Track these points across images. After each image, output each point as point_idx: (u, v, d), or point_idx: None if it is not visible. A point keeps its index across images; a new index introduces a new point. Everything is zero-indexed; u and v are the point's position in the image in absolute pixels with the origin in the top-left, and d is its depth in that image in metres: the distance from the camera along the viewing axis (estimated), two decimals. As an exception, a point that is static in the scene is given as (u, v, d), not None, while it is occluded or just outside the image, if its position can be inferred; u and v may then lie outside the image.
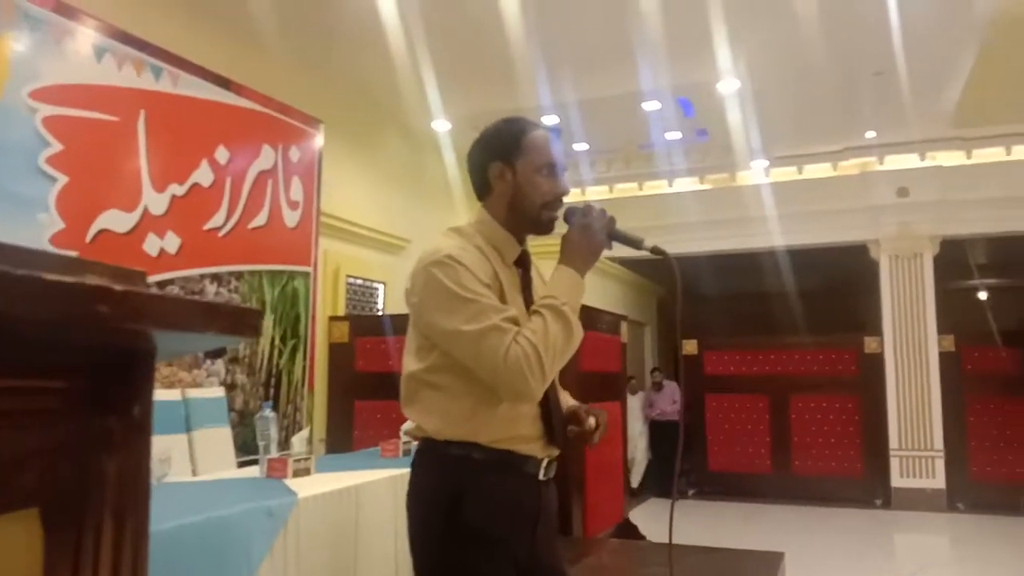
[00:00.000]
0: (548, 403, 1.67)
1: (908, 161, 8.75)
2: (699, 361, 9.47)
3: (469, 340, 1.50)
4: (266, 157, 5.25)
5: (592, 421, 1.75)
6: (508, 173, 1.69)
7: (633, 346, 11.39)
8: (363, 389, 6.01)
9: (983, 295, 12.48)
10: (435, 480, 1.61)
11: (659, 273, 11.76)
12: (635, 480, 9.17)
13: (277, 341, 5.33)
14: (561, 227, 1.75)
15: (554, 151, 1.71)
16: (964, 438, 8.59)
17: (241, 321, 0.64)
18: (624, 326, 6.99)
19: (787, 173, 9.21)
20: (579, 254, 1.66)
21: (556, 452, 1.71)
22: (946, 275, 9.34)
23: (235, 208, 4.95)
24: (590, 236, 1.66)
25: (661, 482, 9.12)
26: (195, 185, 4.66)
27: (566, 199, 1.74)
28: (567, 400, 1.85)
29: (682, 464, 8.49)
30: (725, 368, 9.45)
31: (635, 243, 1.72)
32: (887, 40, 5.69)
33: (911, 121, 7.62)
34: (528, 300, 1.71)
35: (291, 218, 5.46)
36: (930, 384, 8.65)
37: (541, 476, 1.67)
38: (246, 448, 4.35)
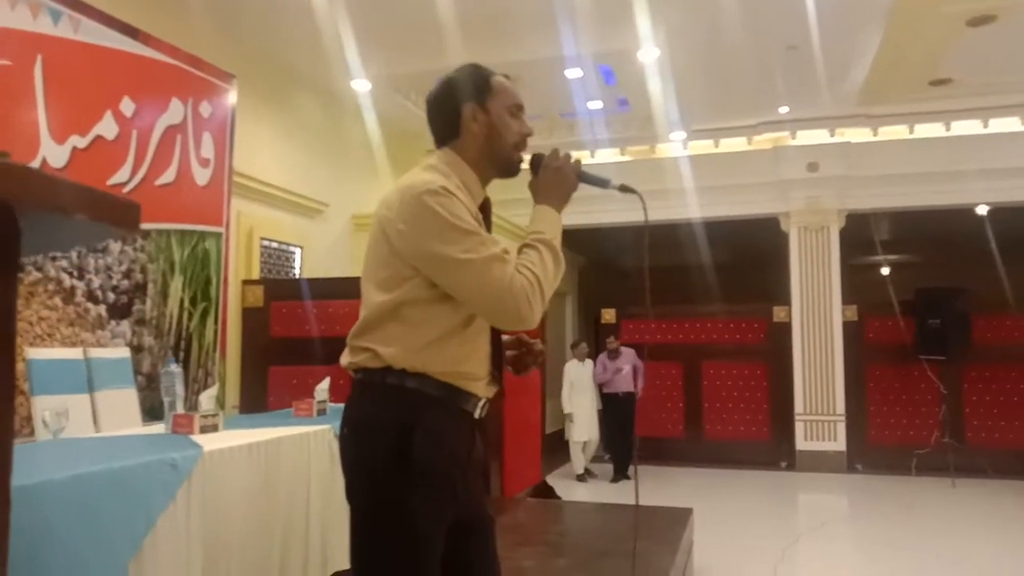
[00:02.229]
0: (499, 342, 1.73)
1: (818, 137, 9.07)
2: (617, 329, 9.66)
3: (473, 269, 1.53)
4: (175, 111, 5.04)
5: (537, 345, 1.86)
6: (481, 114, 1.72)
7: (555, 315, 11.53)
8: (278, 355, 5.88)
9: (885, 270, 13.10)
10: (380, 412, 1.58)
11: (580, 243, 11.88)
12: (580, 465, 8.42)
13: (187, 303, 5.16)
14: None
15: (518, 94, 1.79)
16: (864, 403, 9.06)
17: (117, 210, 0.61)
18: (544, 293, 7.06)
19: (704, 146, 9.42)
20: (555, 194, 1.73)
21: (494, 392, 1.74)
22: (851, 248, 9.76)
23: (141, 163, 4.75)
24: (562, 176, 1.73)
25: (620, 456, 8.48)
26: (98, 138, 4.45)
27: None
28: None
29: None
30: (641, 336, 9.66)
31: (603, 182, 1.80)
32: (801, 15, 5.84)
33: (822, 97, 7.87)
34: None
35: (202, 176, 5.27)
36: (834, 352, 9.07)
37: (477, 415, 1.69)
38: (153, 413, 4.21)
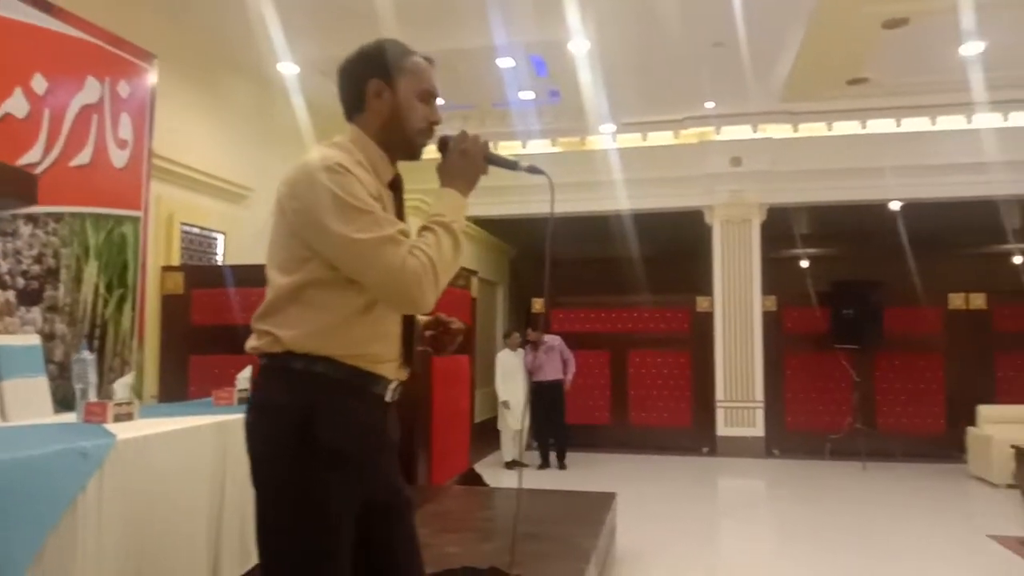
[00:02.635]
0: (412, 324, 1.71)
1: (742, 132, 9.33)
2: (546, 318, 9.78)
3: (365, 249, 1.50)
4: (91, 90, 4.85)
5: (456, 325, 1.83)
6: (387, 92, 1.67)
7: (486, 305, 11.56)
8: (200, 343, 5.74)
9: (805, 263, 13.59)
10: (284, 395, 1.56)
11: (512, 234, 11.95)
12: (510, 453, 8.40)
13: (102, 290, 4.99)
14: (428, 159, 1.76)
15: (433, 79, 1.73)
16: (781, 391, 9.41)
17: (10, 180, 0.60)
18: (475, 281, 7.08)
19: (632, 139, 9.58)
20: (461, 177, 1.69)
21: (406, 375, 1.73)
22: (771, 241, 10.08)
23: (54, 143, 4.55)
24: (469, 159, 1.69)
25: (555, 444, 8.53)
26: (7, 115, 4.25)
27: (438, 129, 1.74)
28: (419, 318, 1.87)
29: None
30: (571, 325, 9.79)
31: (511, 164, 1.77)
32: (728, 12, 5.99)
33: (746, 94, 8.10)
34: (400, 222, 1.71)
35: (119, 158, 5.08)
36: (754, 341, 9.38)
37: (388, 398, 1.68)
38: (66, 403, 4.04)
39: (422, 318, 1.85)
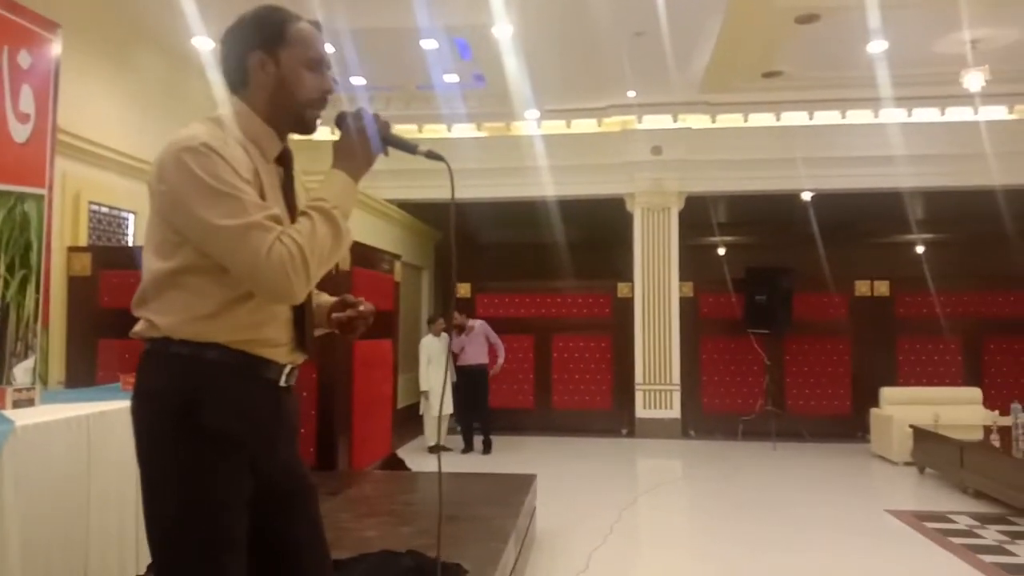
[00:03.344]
0: (304, 309, 1.64)
1: (662, 122, 9.52)
2: (471, 303, 9.80)
3: (228, 236, 1.42)
4: (-12, 59, 4.58)
5: (365, 306, 1.74)
6: (270, 65, 1.58)
7: (410, 290, 11.49)
8: (108, 327, 5.52)
9: (721, 250, 13.99)
10: (164, 381, 1.51)
11: (437, 218, 11.89)
12: (433, 437, 8.28)
13: (3, 271, 4.74)
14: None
15: (321, 46, 1.64)
16: (698, 373, 9.70)
17: None
18: (398, 266, 7.03)
19: (557, 126, 9.66)
20: (353, 158, 1.60)
21: (301, 359, 1.67)
22: (689, 229, 10.35)
23: (-53, 115, 4.29)
24: (364, 140, 1.60)
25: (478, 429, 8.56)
26: None
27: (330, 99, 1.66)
28: (325, 300, 1.82)
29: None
30: (496, 310, 9.84)
31: (410, 147, 1.68)
32: (649, 2, 6.09)
33: (666, 84, 8.26)
34: (289, 200, 1.64)
35: (20, 132, 4.82)
36: (671, 326, 9.63)
37: (282, 382, 1.63)
38: (-37, 388, 3.86)
39: (327, 298, 1.81)
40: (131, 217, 6.49)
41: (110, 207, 6.24)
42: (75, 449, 2.37)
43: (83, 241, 5.83)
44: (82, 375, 5.42)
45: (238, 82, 1.61)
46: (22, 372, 2.75)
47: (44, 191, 5.05)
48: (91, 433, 2.46)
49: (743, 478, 7.22)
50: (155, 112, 6.68)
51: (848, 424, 9.26)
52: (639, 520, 5.81)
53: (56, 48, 5.13)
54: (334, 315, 1.77)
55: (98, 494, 2.48)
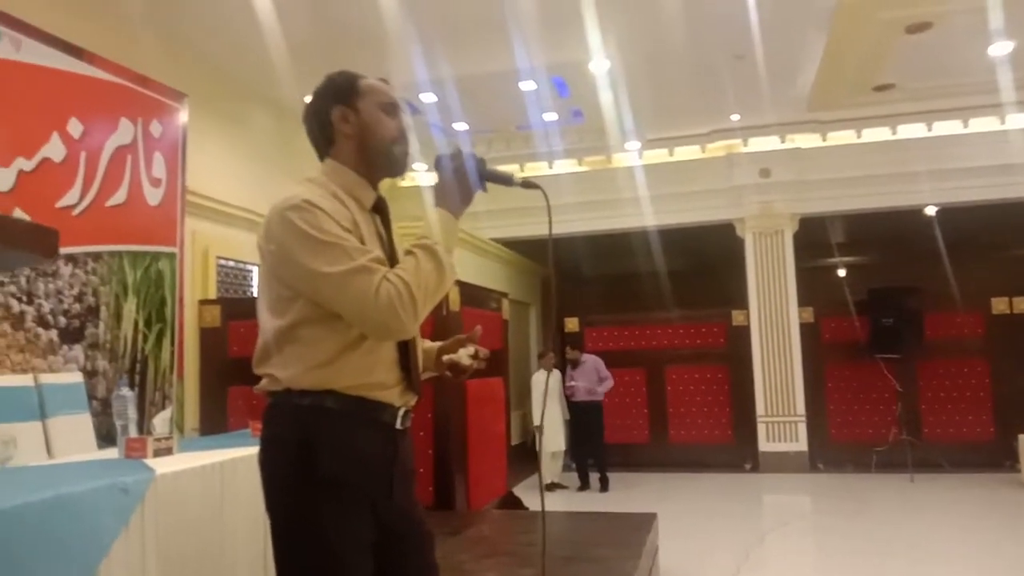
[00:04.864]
0: (408, 349, 1.68)
1: (769, 143, 9.26)
2: (580, 337, 9.73)
3: (335, 282, 1.49)
4: (124, 131, 4.97)
5: (473, 350, 1.81)
6: (351, 114, 1.69)
7: (519, 326, 11.54)
8: (237, 375, 5.78)
9: (841, 272, 13.37)
10: (286, 431, 1.57)
11: (542, 254, 11.93)
12: (549, 476, 8.23)
13: (141, 325, 5.08)
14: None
15: (392, 93, 1.74)
16: (823, 403, 9.23)
17: (34, 236, 0.62)
18: (506, 303, 7.09)
19: (659, 155, 9.56)
20: (453, 196, 1.67)
21: (414, 400, 1.72)
22: (805, 251, 9.96)
23: (91, 185, 4.67)
24: (462, 178, 1.67)
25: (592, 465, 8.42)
26: (45, 160, 4.37)
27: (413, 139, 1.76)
28: (430, 345, 1.87)
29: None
30: (605, 344, 9.74)
31: (506, 180, 1.75)
32: (745, 25, 5.97)
33: (771, 104, 8.04)
34: (388, 245, 1.71)
35: (154, 196, 5.20)
36: (792, 353, 9.23)
37: (398, 425, 1.67)
38: (110, 438, 4.12)
39: (432, 344, 1.86)
40: (255, 269, 6.84)
41: (236, 261, 6.60)
42: (209, 494, 2.48)
43: (212, 294, 6.18)
44: (215, 422, 5.70)
45: (326, 143, 1.73)
46: (161, 422, 2.91)
47: (176, 249, 5.40)
48: (223, 478, 2.56)
49: (879, 513, 6.77)
50: (271, 168, 7.06)
51: (992, 451, 8.57)
52: (769, 560, 5.53)
53: (183, 115, 5.52)
54: (445, 357, 1.82)
55: (230, 536, 2.57)
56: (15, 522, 1.75)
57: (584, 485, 8.33)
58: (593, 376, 8.37)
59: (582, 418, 8.29)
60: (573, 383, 8.30)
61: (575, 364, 8.42)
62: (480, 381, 6.00)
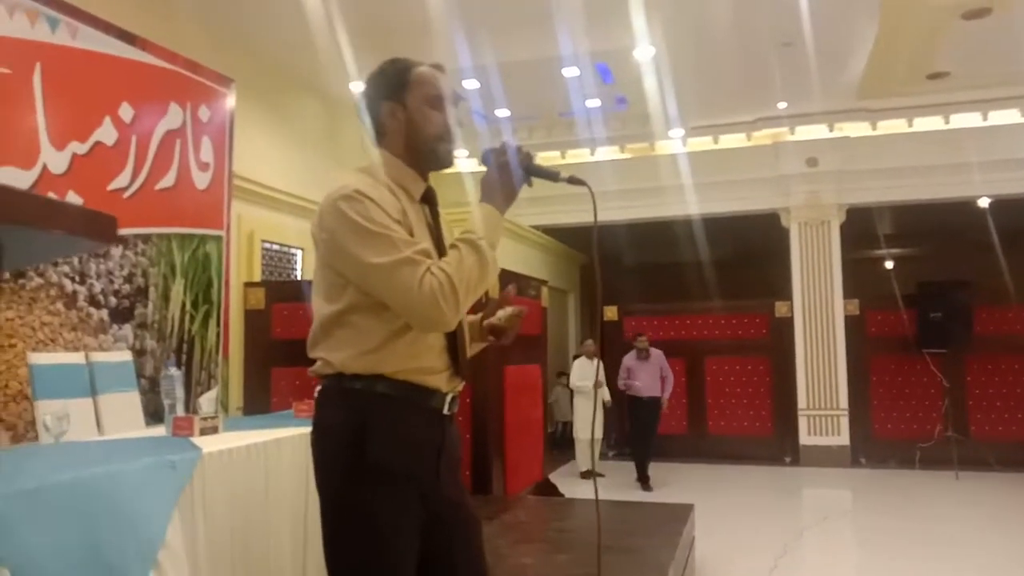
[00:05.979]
0: (456, 335, 1.71)
1: (817, 132, 9.08)
2: (619, 326, 9.68)
3: (383, 272, 1.53)
4: (174, 116, 5.07)
5: (510, 311, 1.85)
6: (399, 111, 1.71)
7: (557, 314, 11.54)
8: (281, 356, 5.91)
9: (889, 264, 13.08)
10: (339, 415, 1.61)
11: (582, 241, 11.90)
12: (585, 463, 8.12)
13: (188, 306, 5.20)
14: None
15: (442, 84, 1.75)
16: (867, 397, 9.06)
17: (93, 223, 0.64)
18: (545, 291, 7.08)
19: (703, 143, 9.43)
20: (498, 191, 1.69)
21: (460, 386, 1.75)
22: (852, 242, 9.76)
23: (141, 168, 4.78)
24: (507, 173, 1.69)
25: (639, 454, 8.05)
26: (98, 144, 4.48)
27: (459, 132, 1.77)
28: (472, 317, 1.91)
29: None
30: (644, 333, 9.64)
31: (552, 176, 1.75)
32: (793, 11, 5.85)
33: (819, 92, 7.88)
34: (436, 234, 1.74)
35: (201, 180, 5.30)
36: (836, 346, 9.07)
37: (445, 410, 1.70)
38: (157, 416, 4.22)
39: (471, 318, 1.88)
40: (299, 253, 6.94)
41: (280, 244, 6.70)
42: (253, 473, 2.53)
43: (257, 277, 6.29)
44: (258, 402, 5.82)
45: (378, 133, 1.75)
46: (207, 401, 2.98)
47: (223, 232, 5.51)
48: (267, 458, 2.61)
49: (922, 510, 6.65)
50: (316, 154, 7.14)
51: (1043, 450, 8.34)
52: (806, 555, 5.47)
53: (231, 101, 5.61)
54: (486, 322, 1.88)
55: (275, 514, 2.63)
56: (81, 492, 1.81)
57: (645, 484, 7.77)
58: (656, 372, 7.93)
59: (643, 414, 7.90)
60: (628, 380, 7.90)
61: (645, 355, 7.94)
62: (518, 368, 6.02)
